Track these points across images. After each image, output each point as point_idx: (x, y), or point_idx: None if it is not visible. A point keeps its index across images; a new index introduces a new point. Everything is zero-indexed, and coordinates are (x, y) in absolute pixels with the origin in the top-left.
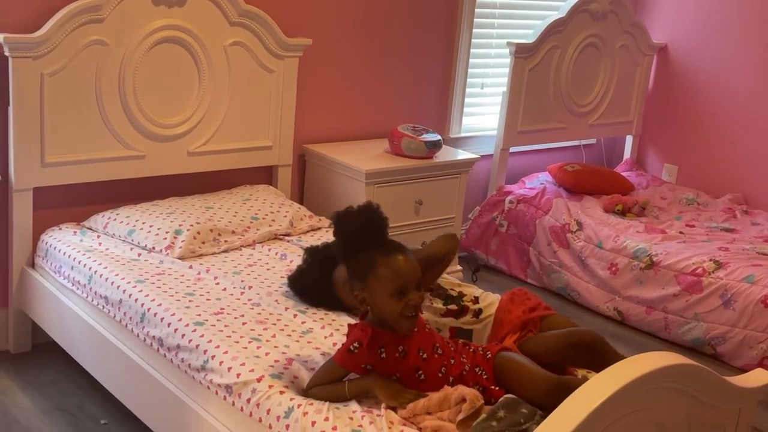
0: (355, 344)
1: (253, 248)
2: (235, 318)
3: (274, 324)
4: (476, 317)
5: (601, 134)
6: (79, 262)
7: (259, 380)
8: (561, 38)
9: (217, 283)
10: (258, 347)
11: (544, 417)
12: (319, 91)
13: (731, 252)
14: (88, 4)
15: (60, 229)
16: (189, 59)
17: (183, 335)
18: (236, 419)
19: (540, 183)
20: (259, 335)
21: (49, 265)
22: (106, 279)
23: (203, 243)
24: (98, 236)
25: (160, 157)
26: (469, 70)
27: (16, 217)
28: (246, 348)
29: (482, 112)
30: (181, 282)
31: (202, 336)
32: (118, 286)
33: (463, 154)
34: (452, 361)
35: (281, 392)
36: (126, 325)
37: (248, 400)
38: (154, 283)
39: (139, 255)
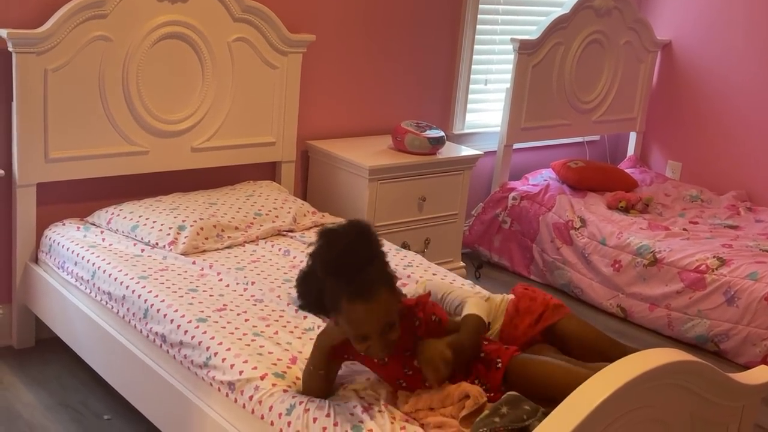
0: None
1: (257, 244)
2: (238, 314)
3: (277, 320)
4: None
5: (604, 131)
6: (83, 257)
7: (262, 378)
8: (565, 34)
9: (220, 280)
10: (261, 345)
11: (546, 414)
12: (322, 87)
13: (735, 249)
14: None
15: (63, 224)
16: (192, 55)
17: (186, 332)
18: (239, 416)
19: (543, 180)
20: (262, 332)
21: (53, 260)
22: (110, 275)
23: (206, 239)
24: (101, 232)
25: (163, 153)
26: (473, 67)
27: (20, 213)
28: (249, 345)
29: (486, 108)
30: (184, 278)
31: (205, 333)
32: (121, 282)
33: (466, 151)
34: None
35: (284, 390)
36: (129, 321)
37: (250, 398)
38: (157, 279)
39: (143, 251)
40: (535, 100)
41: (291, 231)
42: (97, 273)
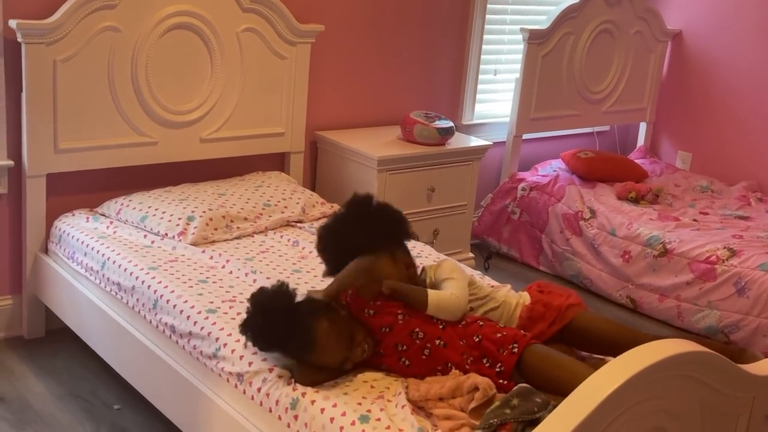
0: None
1: (266, 235)
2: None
3: None
4: None
5: (614, 121)
6: (92, 248)
7: (270, 370)
8: (575, 24)
9: (230, 272)
10: None
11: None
12: (331, 77)
13: (745, 240)
14: None
15: (73, 215)
16: (201, 45)
17: (195, 322)
18: (247, 407)
19: (553, 170)
20: None
21: (63, 251)
22: (119, 265)
23: (216, 229)
24: (111, 222)
25: (172, 143)
26: (482, 57)
27: (30, 203)
28: None
29: (495, 98)
30: (194, 269)
31: (215, 324)
32: (130, 273)
33: (475, 141)
34: (438, 342)
35: (288, 383)
36: (139, 312)
37: (258, 389)
38: (166, 269)
39: (152, 242)
40: (545, 91)
41: (300, 221)
42: (106, 263)
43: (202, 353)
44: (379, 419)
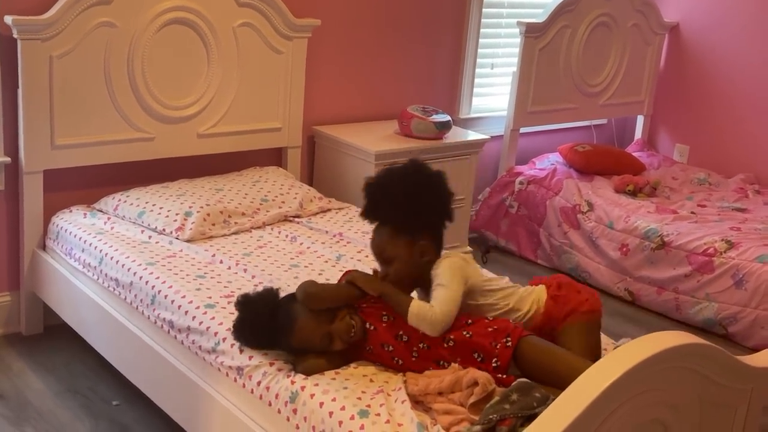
0: None
1: (263, 230)
2: None
3: None
4: None
5: (612, 114)
6: (90, 244)
7: (271, 364)
8: (572, 17)
9: (228, 268)
10: None
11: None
12: (328, 72)
13: (743, 232)
14: None
15: (70, 211)
16: (198, 41)
17: (194, 317)
18: (247, 401)
19: (550, 164)
20: None
21: (60, 247)
22: (117, 261)
23: (213, 225)
24: (108, 218)
25: (169, 139)
26: (479, 50)
27: (27, 200)
28: None
29: (492, 92)
30: (192, 264)
31: (213, 318)
32: (128, 269)
33: (473, 135)
34: (422, 345)
35: (287, 376)
36: (137, 307)
37: (258, 383)
38: (164, 265)
39: (150, 237)
40: (542, 84)
41: (297, 216)
42: (104, 259)
43: (201, 348)
44: (378, 414)
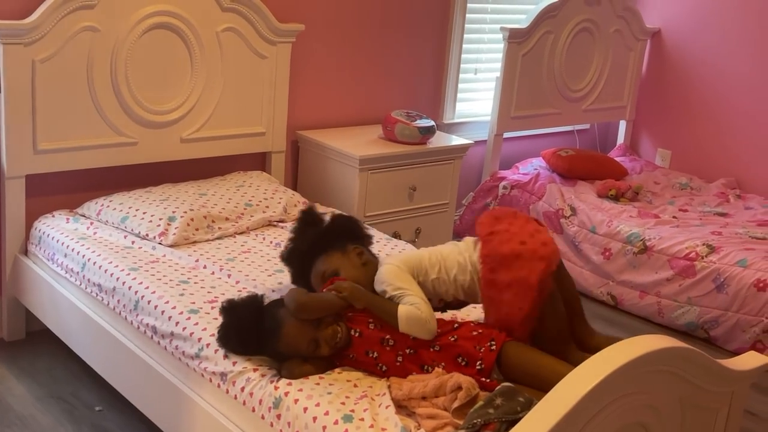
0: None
1: (247, 235)
2: None
3: None
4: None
5: (594, 119)
6: (73, 249)
7: (255, 370)
8: (554, 23)
9: (212, 273)
10: None
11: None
12: (312, 77)
13: (724, 236)
14: None
15: (53, 216)
16: (181, 45)
17: (177, 323)
18: (231, 406)
19: (534, 168)
20: None
21: (43, 252)
22: (100, 266)
23: (197, 230)
24: (91, 223)
25: (152, 143)
26: (463, 56)
27: (9, 205)
28: None
29: (476, 97)
30: (175, 270)
31: (197, 324)
32: (111, 274)
33: (456, 140)
34: (408, 351)
35: (271, 381)
36: (120, 313)
37: (242, 389)
38: (147, 270)
39: (133, 242)
40: (525, 89)
41: (282, 221)
42: (87, 265)
43: (184, 353)
44: (362, 419)
